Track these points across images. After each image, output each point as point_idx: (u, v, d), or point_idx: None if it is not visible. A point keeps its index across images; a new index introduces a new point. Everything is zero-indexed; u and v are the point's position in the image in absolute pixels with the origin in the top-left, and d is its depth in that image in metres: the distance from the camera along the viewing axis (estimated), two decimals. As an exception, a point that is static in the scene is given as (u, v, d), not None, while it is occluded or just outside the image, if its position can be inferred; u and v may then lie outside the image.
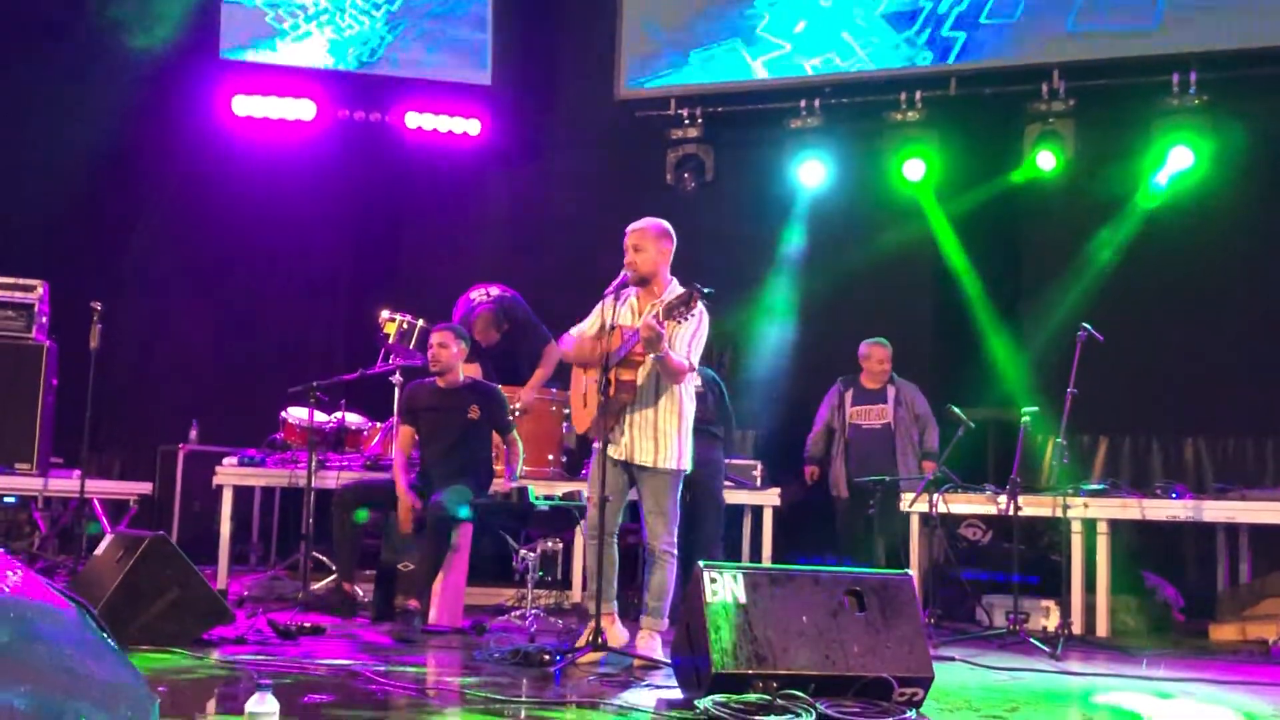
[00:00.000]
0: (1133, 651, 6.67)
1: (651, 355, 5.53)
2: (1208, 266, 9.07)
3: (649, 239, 5.77)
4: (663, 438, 5.74)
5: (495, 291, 8.53)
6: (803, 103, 9.75)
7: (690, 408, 5.88)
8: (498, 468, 7.49)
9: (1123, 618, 7.62)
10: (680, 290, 5.53)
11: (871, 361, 8.67)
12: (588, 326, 5.90)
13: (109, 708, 1.70)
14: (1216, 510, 7.42)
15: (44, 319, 8.71)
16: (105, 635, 1.88)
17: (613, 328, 5.66)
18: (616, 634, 5.75)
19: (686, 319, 5.37)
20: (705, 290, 5.30)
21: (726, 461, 7.94)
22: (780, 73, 9.89)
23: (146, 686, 1.83)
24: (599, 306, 5.81)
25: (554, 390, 8.39)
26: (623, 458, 5.77)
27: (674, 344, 5.56)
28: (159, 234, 10.74)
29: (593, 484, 5.78)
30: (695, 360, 5.72)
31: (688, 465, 5.85)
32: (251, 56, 10.62)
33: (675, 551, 5.76)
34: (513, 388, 8.10)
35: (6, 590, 1.85)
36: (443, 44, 10.73)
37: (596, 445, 5.84)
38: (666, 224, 5.87)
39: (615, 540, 5.86)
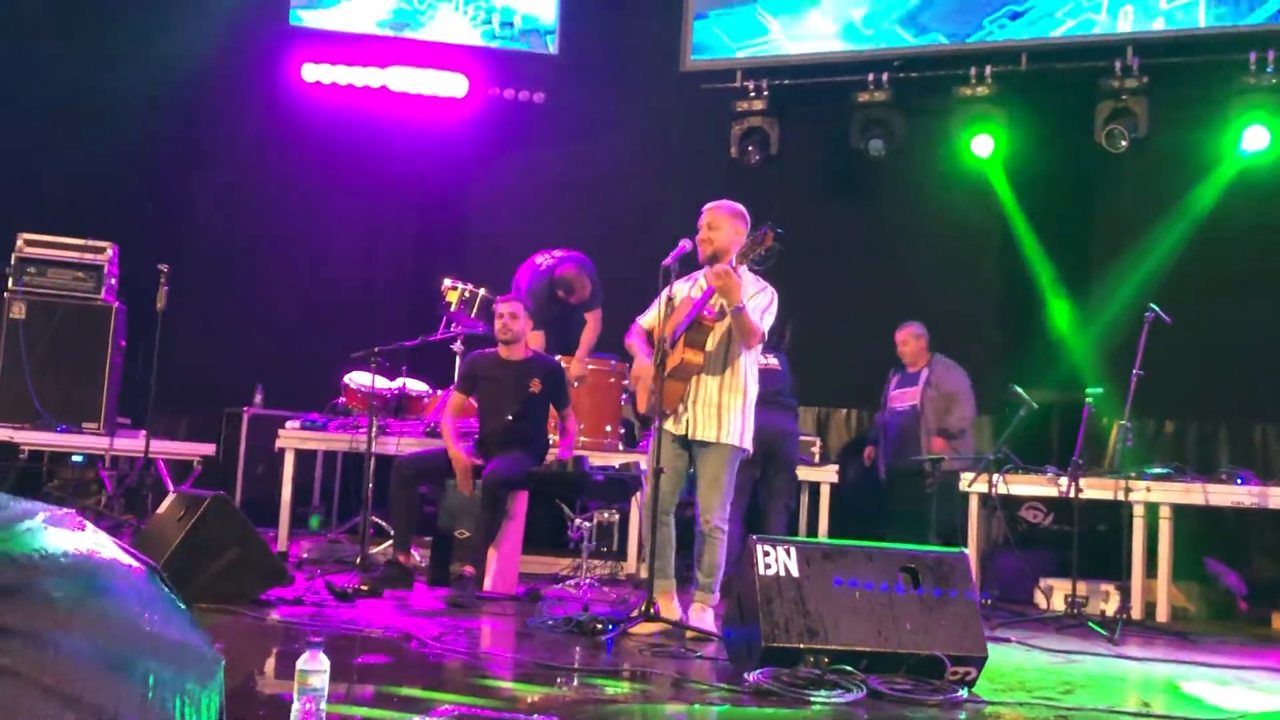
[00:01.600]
0: (1193, 638, 6.59)
1: (727, 313, 5.53)
2: (1279, 249, 8.89)
3: (724, 218, 5.81)
4: (726, 413, 5.73)
5: (560, 253, 8.55)
6: (870, 76, 9.65)
7: (754, 386, 5.88)
8: (553, 437, 7.52)
9: (1184, 604, 7.53)
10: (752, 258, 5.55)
11: (900, 346, 8.70)
12: (654, 315, 5.89)
13: (177, 666, 1.73)
14: (1283, 497, 7.29)
15: (113, 280, 8.83)
16: (174, 595, 1.91)
17: (670, 303, 5.68)
18: (672, 609, 5.76)
19: (764, 258, 5.38)
20: (779, 230, 5.31)
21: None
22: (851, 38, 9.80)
23: (213, 648, 1.86)
24: (663, 295, 5.75)
25: (613, 361, 8.39)
26: (683, 433, 5.77)
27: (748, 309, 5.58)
28: (227, 197, 10.85)
29: (651, 459, 5.78)
30: (766, 329, 5.71)
31: (749, 445, 5.84)
32: (313, 19, 10.66)
33: (726, 527, 5.75)
34: (567, 357, 8.14)
35: (79, 548, 1.88)
36: (509, 13, 10.74)
37: (656, 420, 5.85)
38: (742, 207, 5.90)
39: (672, 517, 5.88)
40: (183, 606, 1.94)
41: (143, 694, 1.62)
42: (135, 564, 1.85)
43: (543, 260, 8.57)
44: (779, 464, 7.58)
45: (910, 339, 8.67)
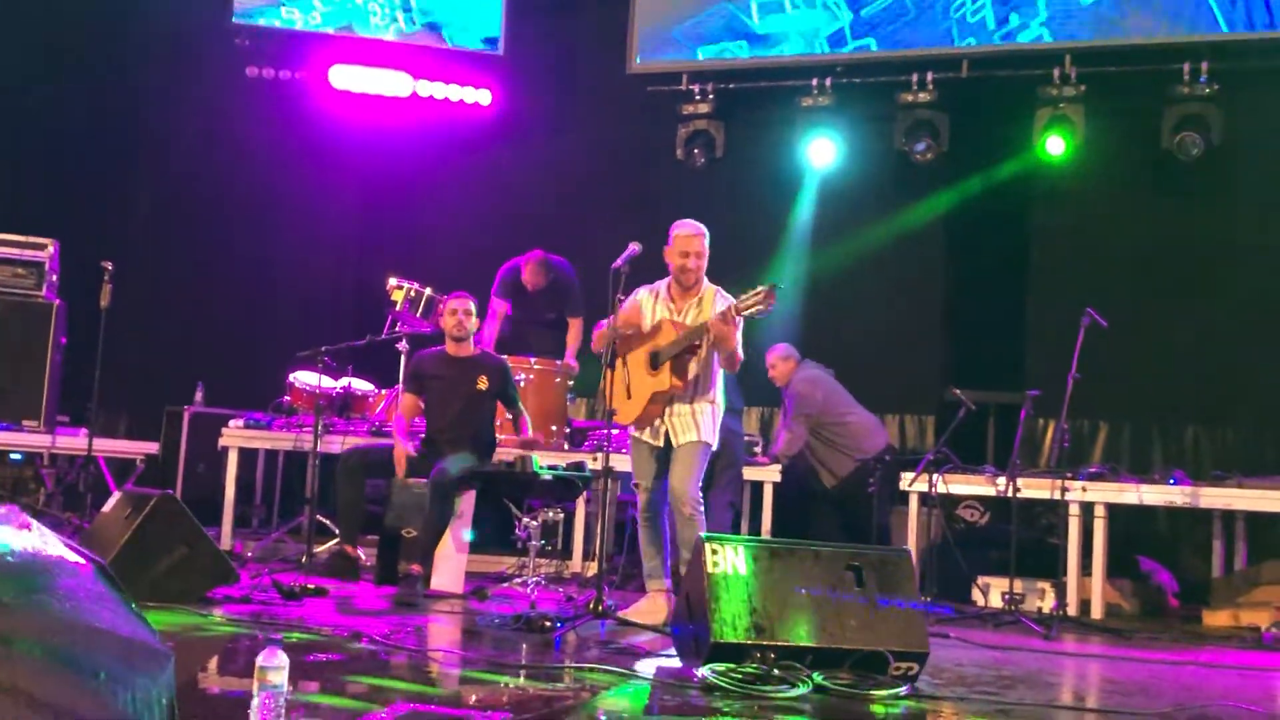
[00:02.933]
0: (1126, 635, 6.75)
1: (721, 353, 5.86)
2: (1214, 255, 9.10)
3: (706, 246, 6.07)
4: (701, 418, 6.03)
5: (554, 258, 8.84)
6: (814, 81, 9.75)
7: (723, 390, 6.18)
8: (500, 436, 7.55)
9: (1118, 601, 7.69)
10: (725, 298, 5.94)
11: (769, 370, 8.73)
12: (622, 322, 6.07)
13: (127, 661, 1.74)
14: (1214, 497, 7.47)
15: (54, 277, 8.75)
16: (122, 592, 1.93)
17: (654, 324, 6.05)
18: (661, 605, 5.86)
19: (763, 314, 5.64)
20: (781, 285, 5.64)
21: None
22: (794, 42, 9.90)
23: (162, 643, 1.87)
24: (632, 301, 6.09)
25: (558, 362, 8.46)
26: (661, 444, 6.06)
27: None
28: (170, 196, 10.77)
29: (638, 471, 6.12)
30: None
31: (716, 442, 6.14)
32: (256, 17, 10.60)
33: (702, 508, 5.98)
34: (518, 358, 8.19)
35: (25, 547, 1.88)
36: (455, 13, 10.74)
37: (633, 432, 6.13)
38: None
39: (662, 518, 6.11)
40: (131, 603, 1.96)
41: (94, 689, 1.64)
42: (81, 560, 1.86)
43: (540, 267, 8.70)
44: (725, 460, 7.66)
45: (778, 362, 8.70)
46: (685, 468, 5.97)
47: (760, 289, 5.56)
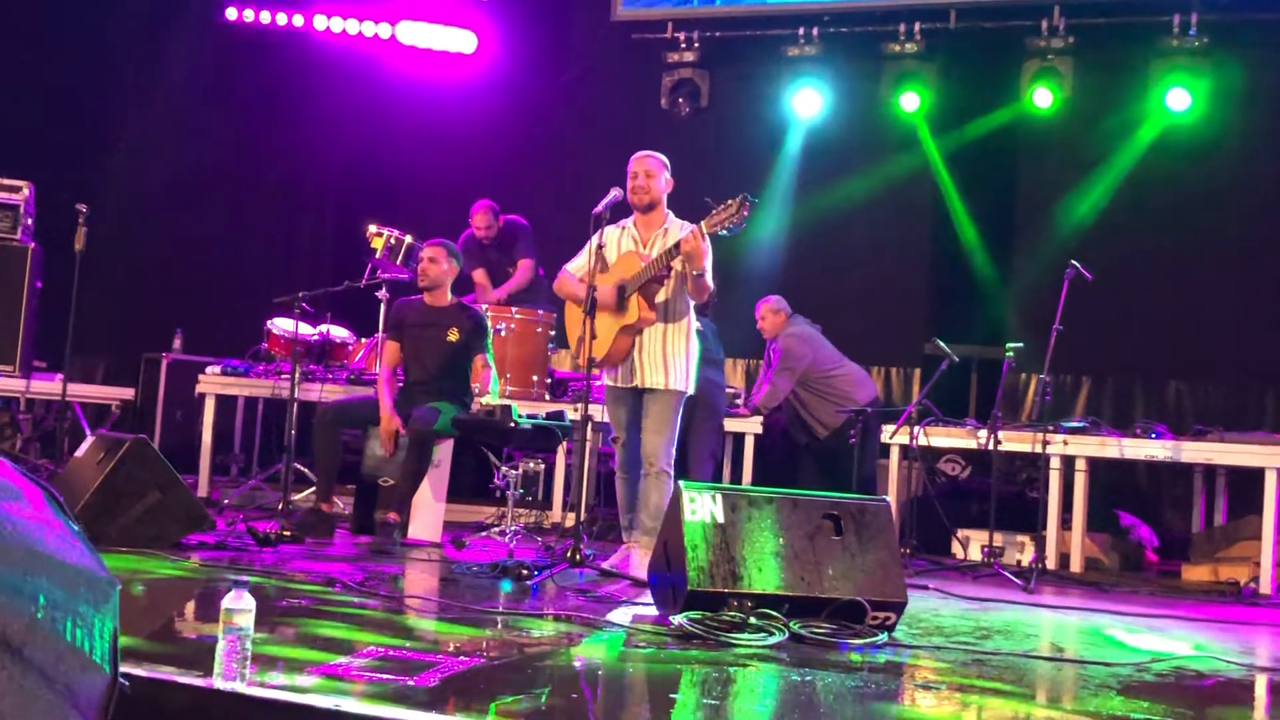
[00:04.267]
0: (1105, 588, 6.75)
1: (689, 272, 5.64)
2: (1199, 209, 9.06)
3: (658, 167, 5.93)
4: (672, 360, 5.88)
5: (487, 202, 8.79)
6: (800, 31, 9.65)
7: (694, 332, 6.03)
8: (475, 386, 7.48)
9: (1097, 555, 7.70)
10: (683, 223, 5.74)
11: (758, 321, 8.66)
12: (584, 263, 5.93)
13: (69, 588, 1.68)
14: (1195, 451, 7.45)
15: (29, 220, 8.64)
16: (69, 519, 1.86)
17: (600, 250, 5.70)
18: (640, 558, 5.81)
19: (735, 228, 5.44)
20: (754, 199, 5.42)
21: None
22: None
23: (108, 572, 1.80)
24: (593, 242, 5.82)
25: (540, 311, 8.39)
26: (632, 385, 5.88)
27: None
28: (148, 139, 10.62)
29: (615, 422, 6.00)
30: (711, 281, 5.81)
31: (692, 388, 5.99)
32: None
33: (672, 471, 5.85)
34: (500, 309, 8.16)
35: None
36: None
37: (602, 380, 5.98)
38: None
39: (639, 471, 5.94)
40: (77, 530, 1.89)
41: (32, 614, 1.57)
42: (30, 486, 1.80)
43: (487, 212, 8.68)
44: (706, 411, 7.63)
45: (768, 314, 8.63)
46: (658, 424, 5.84)
47: (731, 201, 5.41)
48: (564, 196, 8.91)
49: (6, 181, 8.60)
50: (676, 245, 5.60)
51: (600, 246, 5.77)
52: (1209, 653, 4.80)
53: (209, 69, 10.61)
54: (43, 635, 1.49)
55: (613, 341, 5.82)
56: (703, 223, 5.53)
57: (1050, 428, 7.31)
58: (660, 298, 5.83)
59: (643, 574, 5.58)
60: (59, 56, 10.02)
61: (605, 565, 5.77)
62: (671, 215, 5.97)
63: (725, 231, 5.50)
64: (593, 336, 5.74)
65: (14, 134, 9.74)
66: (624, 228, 6.00)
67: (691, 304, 5.93)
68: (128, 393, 8.84)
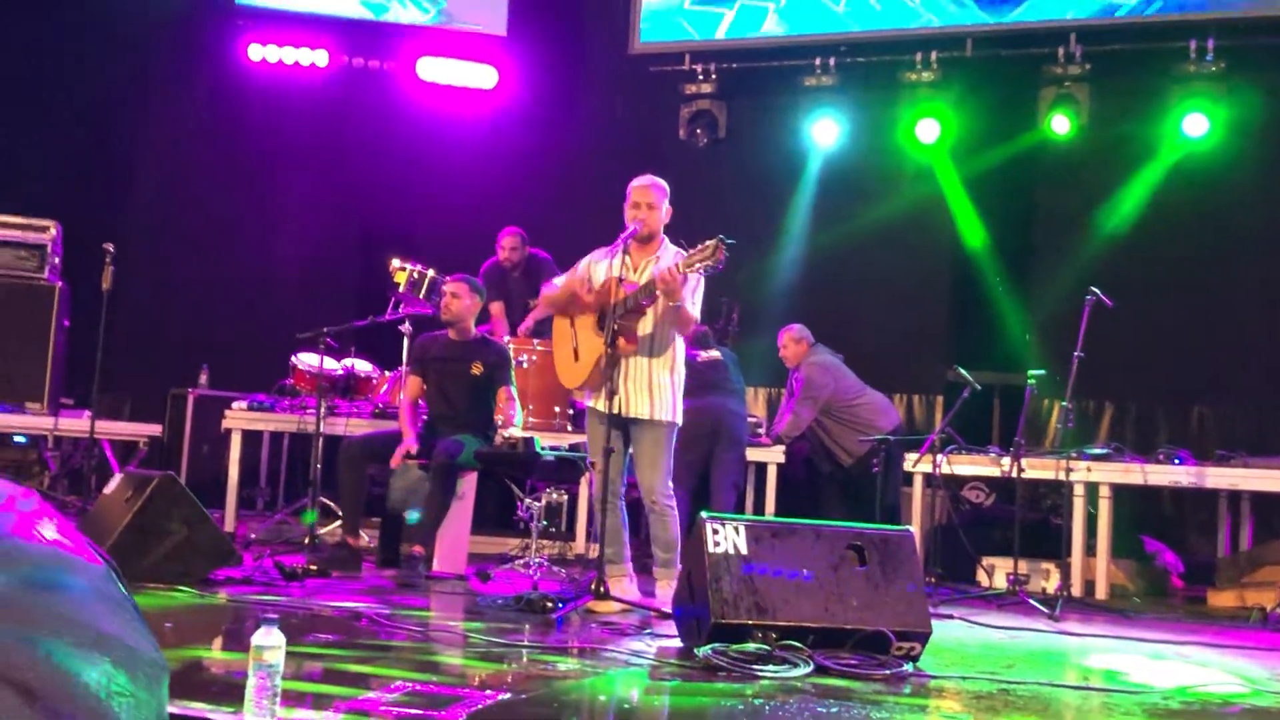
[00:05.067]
0: (1131, 615, 6.73)
1: (668, 304, 5.59)
2: (1218, 234, 9.07)
3: (660, 197, 5.87)
4: (658, 390, 5.81)
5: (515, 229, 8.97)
6: (817, 61, 9.71)
7: (682, 362, 5.96)
8: (498, 418, 7.51)
9: (1122, 582, 7.68)
10: (687, 247, 5.59)
11: (780, 350, 8.71)
12: (567, 279, 5.96)
13: (128, 669, 1.71)
14: (1219, 477, 7.44)
15: (56, 260, 8.74)
16: (129, 596, 1.90)
17: (619, 280, 5.71)
18: (625, 588, 5.82)
19: (711, 269, 5.39)
20: (729, 240, 5.35)
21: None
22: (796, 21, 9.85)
23: (161, 655, 1.84)
24: (586, 261, 5.90)
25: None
26: (616, 412, 5.78)
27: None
28: (174, 178, 10.76)
29: (592, 448, 5.87)
30: (698, 313, 5.78)
31: (680, 418, 5.92)
32: (266, 2, 10.58)
33: (673, 501, 5.83)
34: (521, 341, 8.22)
35: (44, 538, 1.86)
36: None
37: (586, 404, 5.95)
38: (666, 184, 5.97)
39: (621, 500, 5.94)
40: (136, 608, 1.93)
41: (96, 695, 1.61)
42: (96, 560, 1.84)
43: (516, 239, 8.82)
44: (727, 441, 7.65)
45: (790, 343, 8.66)
46: (650, 458, 5.80)
47: (708, 243, 5.35)
48: (584, 229, 8.92)
49: (34, 221, 8.71)
50: (652, 281, 5.54)
51: (594, 268, 5.86)
52: (1236, 679, 4.78)
53: (233, 107, 10.72)
54: (103, 716, 1.53)
55: (592, 369, 5.79)
56: (679, 261, 5.48)
57: (1073, 454, 7.31)
58: (645, 329, 5.78)
59: (659, 605, 5.61)
60: (85, 97, 10.15)
61: (625, 599, 5.77)
62: (667, 242, 5.86)
63: (703, 272, 5.49)
64: (574, 359, 5.78)
65: (42, 174, 9.87)
66: (615, 252, 5.85)
67: (678, 335, 5.87)
68: (155, 429, 8.91)
